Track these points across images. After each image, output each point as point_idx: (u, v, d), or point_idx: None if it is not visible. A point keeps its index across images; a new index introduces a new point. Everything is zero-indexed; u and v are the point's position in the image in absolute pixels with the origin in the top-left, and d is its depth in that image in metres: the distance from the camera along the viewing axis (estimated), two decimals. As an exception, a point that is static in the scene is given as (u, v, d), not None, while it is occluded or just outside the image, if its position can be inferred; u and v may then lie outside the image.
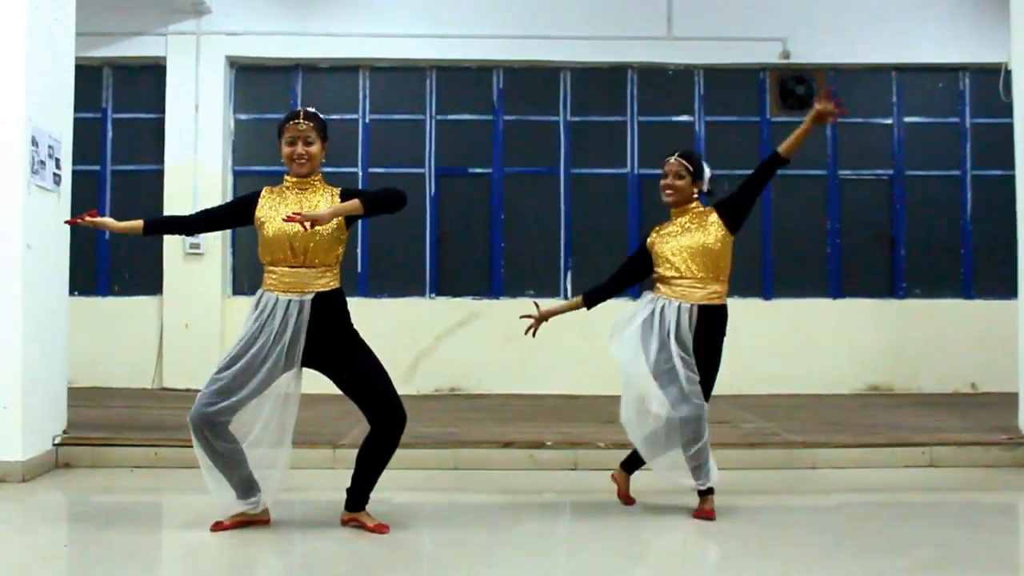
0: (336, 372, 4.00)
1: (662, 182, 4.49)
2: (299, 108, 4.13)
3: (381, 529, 4.03)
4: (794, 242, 9.31)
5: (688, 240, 4.37)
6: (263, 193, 4.05)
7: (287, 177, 4.06)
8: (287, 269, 3.92)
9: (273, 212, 3.95)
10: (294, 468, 5.45)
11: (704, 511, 4.26)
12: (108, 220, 4.06)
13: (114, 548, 3.84)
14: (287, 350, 3.91)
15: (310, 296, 3.92)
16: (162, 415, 6.94)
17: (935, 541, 4.04)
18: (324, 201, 3.97)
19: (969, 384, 9.02)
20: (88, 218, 4.00)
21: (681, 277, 4.34)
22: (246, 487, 4.00)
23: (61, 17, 5.51)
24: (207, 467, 3.96)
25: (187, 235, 4.81)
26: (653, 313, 4.32)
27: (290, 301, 3.90)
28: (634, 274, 4.65)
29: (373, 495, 4.11)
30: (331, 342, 3.97)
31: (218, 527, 4.02)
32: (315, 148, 4.01)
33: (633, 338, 4.30)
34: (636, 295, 8.88)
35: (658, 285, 4.44)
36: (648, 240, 4.55)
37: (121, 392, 8.48)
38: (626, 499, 4.58)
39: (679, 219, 4.47)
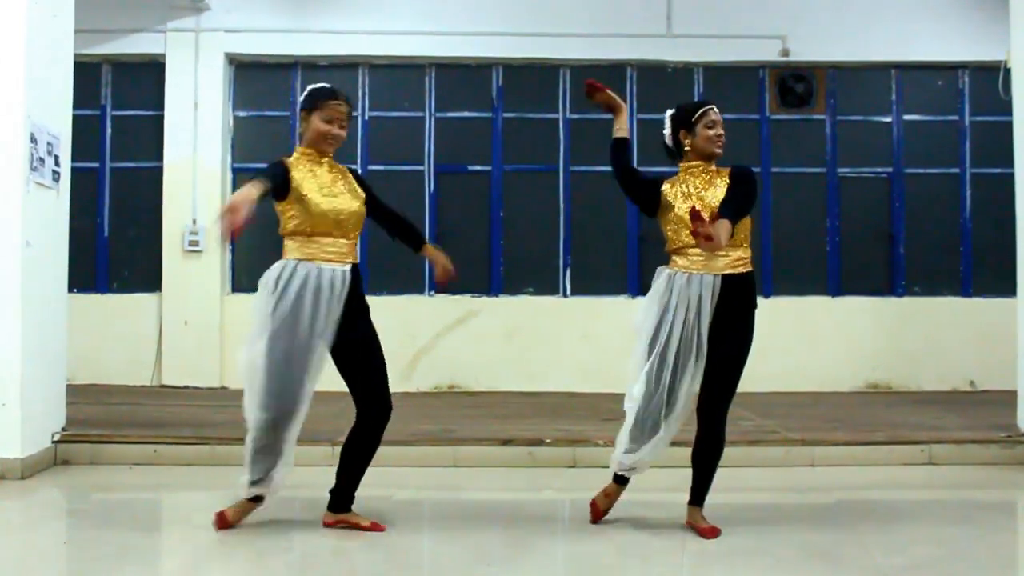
0: (343, 346, 3.96)
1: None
2: (334, 87, 4.05)
3: (377, 528, 4.01)
4: (793, 240, 9.31)
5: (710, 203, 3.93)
6: (291, 164, 3.97)
7: (303, 149, 4.00)
8: (330, 240, 3.94)
9: (313, 183, 3.93)
10: (294, 465, 5.47)
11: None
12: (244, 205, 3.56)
13: (113, 545, 3.83)
14: (323, 313, 3.87)
15: (349, 266, 3.97)
16: (161, 412, 6.95)
17: (934, 539, 4.04)
18: (344, 178, 4.05)
19: (968, 382, 9.03)
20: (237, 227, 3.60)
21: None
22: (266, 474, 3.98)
23: (60, 14, 5.50)
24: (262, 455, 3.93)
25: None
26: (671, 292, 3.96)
27: (333, 270, 3.91)
28: (639, 184, 4.15)
29: (374, 492, 4.12)
30: (350, 313, 3.96)
31: (223, 524, 4.00)
32: (345, 132, 4.04)
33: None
34: (635, 292, 8.93)
35: (673, 256, 4.02)
36: (662, 191, 4.07)
37: (120, 389, 8.49)
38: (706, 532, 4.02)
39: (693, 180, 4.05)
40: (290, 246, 3.96)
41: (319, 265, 3.90)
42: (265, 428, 3.88)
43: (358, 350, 4.00)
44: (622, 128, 4.18)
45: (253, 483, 3.98)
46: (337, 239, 3.95)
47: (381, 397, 4.00)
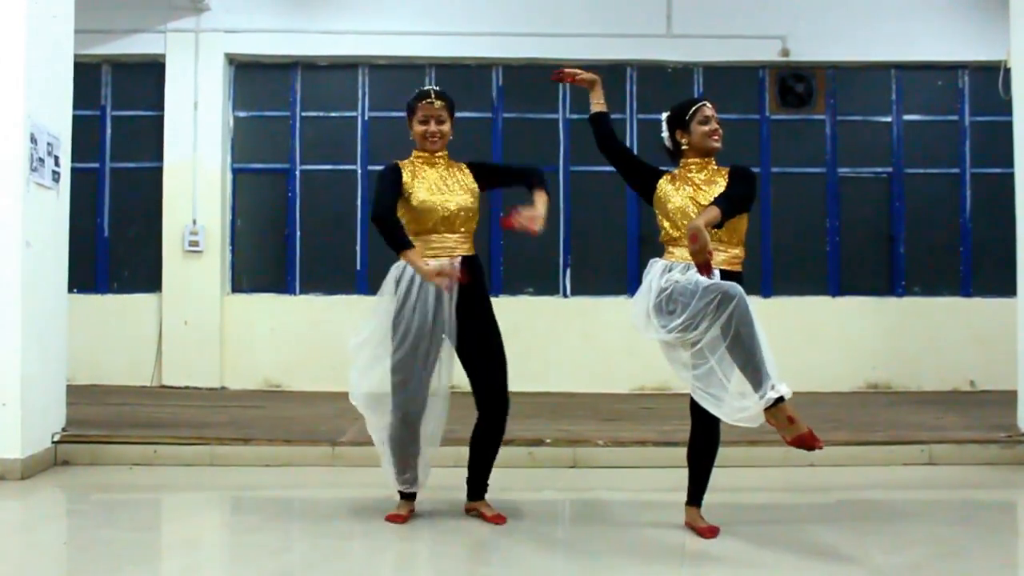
0: (465, 336, 4.09)
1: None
2: (429, 87, 4.24)
3: (498, 520, 4.15)
4: (793, 240, 9.31)
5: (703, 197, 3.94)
6: (402, 166, 4.18)
7: (417, 152, 4.19)
8: (436, 236, 4.07)
9: (419, 183, 4.09)
10: (292, 465, 5.49)
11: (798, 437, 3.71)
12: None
13: (113, 545, 3.84)
14: (445, 308, 4.03)
15: (458, 259, 4.07)
16: (161, 412, 6.95)
17: (934, 539, 4.04)
18: (458, 175, 4.17)
19: (968, 382, 9.03)
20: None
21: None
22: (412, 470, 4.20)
23: (60, 14, 5.50)
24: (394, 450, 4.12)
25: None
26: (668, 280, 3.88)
27: (441, 263, 4.01)
28: (631, 165, 4.22)
29: (374, 493, 4.12)
30: (472, 303, 4.10)
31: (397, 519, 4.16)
32: (447, 126, 4.17)
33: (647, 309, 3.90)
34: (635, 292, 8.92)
35: (670, 248, 3.98)
36: (658, 184, 4.09)
37: (120, 389, 8.48)
38: (705, 531, 4.01)
39: (694, 174, 4.05)
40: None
41: (428, 261, 4.01)
42: (399, 428, 4.05)
43: (476, 345, 4.11)
44: (598, 103, 4.26)
45: (404, 482, 4.18)
46: (444, 234, 4.07)
47: (495, 388, 4.12)
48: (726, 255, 3.93)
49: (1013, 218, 6.13)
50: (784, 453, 5.61)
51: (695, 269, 3.79)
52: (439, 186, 4.10)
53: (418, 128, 4.15)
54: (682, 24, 9.15)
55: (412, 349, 3.99)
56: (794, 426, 3.72)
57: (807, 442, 3.71)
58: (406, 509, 4.22)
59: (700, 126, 4.03)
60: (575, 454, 5.62)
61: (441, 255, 4.05)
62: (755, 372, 3.68)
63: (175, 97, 9.01)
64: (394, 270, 4.08)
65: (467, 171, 4.22)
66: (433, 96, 4.14)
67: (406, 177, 4.11)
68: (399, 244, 3.98)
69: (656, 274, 3.93)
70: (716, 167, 4.06)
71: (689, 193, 3.98)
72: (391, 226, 4.01)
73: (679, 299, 3.77)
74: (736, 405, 3.73)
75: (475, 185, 4.19)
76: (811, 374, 8.85)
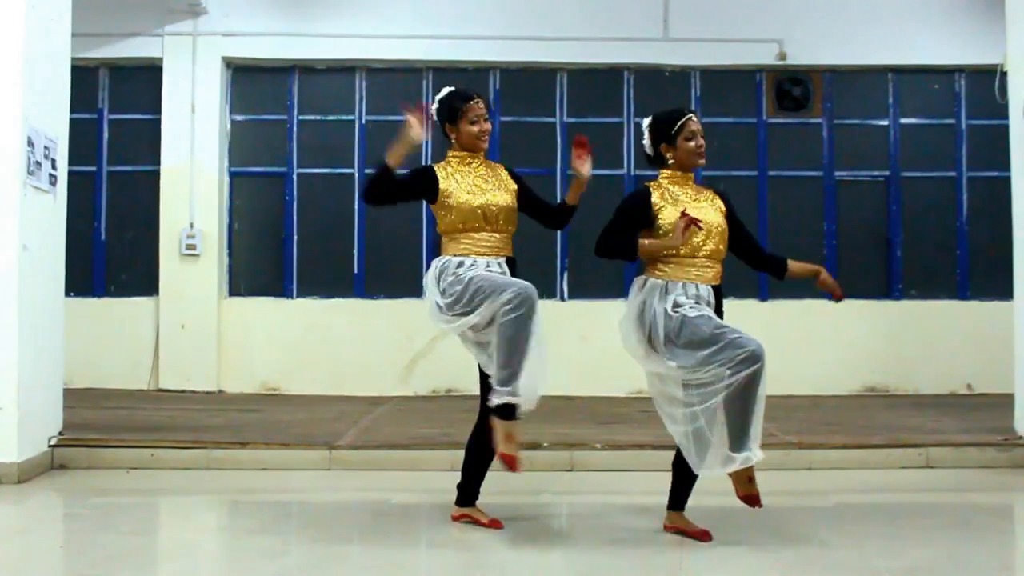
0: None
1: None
2: (466, 89, 4.26)
3: (495, 525, 4.09)
4: (790, 243, 9.25)
5: (700, 214, 3.91)
6: (437, 168, 4.19)
7: (453, 153, 4.21)
8: (483, 235, 4.07)
9: (455, 184, 4.09)
10: (289, 469, 5.48)
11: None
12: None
13: (110, 549, 3.83)
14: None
15: (503, 259, 4.09)
16: (158, 416, 6.94)
17: (931, 542, 4.04)
18: (500, 174, 4.23)
19: (965, 385, 9.04)
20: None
21: (692, 255, 3.90)
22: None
23: (57, 18, 5.50)
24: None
25: (387, 196, 4.22)
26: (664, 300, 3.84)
27: (488, 262, 4.03)
28: (637, 235, 4.06)
29: (371, 495, 4.11)
30: None
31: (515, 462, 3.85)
32: (490, 124, 4.23)
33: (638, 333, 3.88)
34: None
35: (659, 265, 3.93)
36: (652, 201, 3.99)
37: (117, 393, 8.47)
38: (702, 535, 3.98)
39: (682, 187, 4.02)
40: (446, 243, 4.11)
41: (475, 258, 4.01)
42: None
43: None
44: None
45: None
46: (491, 233, 4.07)
47: None
48: (713, 271, 3.96)
49: (1009, 221, 6.13)
50: (782, 456, 5.64)
51: (700, 289, 3.87)
52: (480, 186, 4.10)
53: (471, 128, 4.14)
54: (679, 28, 9.16)
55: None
56: (751, 484, 3.83)
57: (753, 501, 3.86)
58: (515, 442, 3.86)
59: (686, 142, 3.98)
60: (572, 458, 5.62)
61: (488, 254, 4.04)
62: (742, 432, 3.69)
63: (172, 100, 9.01)
64: (434, 264, 4.05)
65: (506, 172, 4.26)
66: (477, 96, 4.18)
67: (444, 181, 4.09)
68: (383, 167, 4.03)
69: (654, 297, 3.87)
70: (695, 184, 4.08)
71: (681, 209, 3.92)
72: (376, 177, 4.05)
73: (691, 338, 3.72)
74: (710, 458, 3.75)
75: (515, 186, 4.22)
76: (808, 377, 8.86)
